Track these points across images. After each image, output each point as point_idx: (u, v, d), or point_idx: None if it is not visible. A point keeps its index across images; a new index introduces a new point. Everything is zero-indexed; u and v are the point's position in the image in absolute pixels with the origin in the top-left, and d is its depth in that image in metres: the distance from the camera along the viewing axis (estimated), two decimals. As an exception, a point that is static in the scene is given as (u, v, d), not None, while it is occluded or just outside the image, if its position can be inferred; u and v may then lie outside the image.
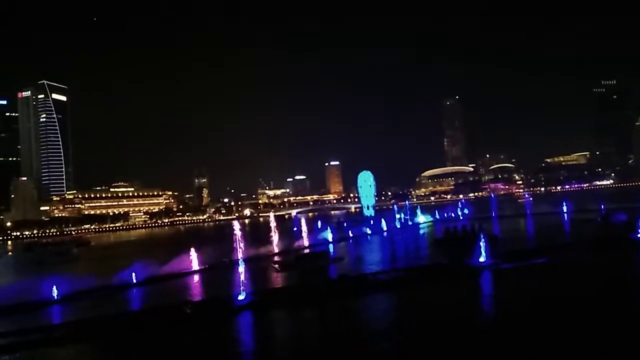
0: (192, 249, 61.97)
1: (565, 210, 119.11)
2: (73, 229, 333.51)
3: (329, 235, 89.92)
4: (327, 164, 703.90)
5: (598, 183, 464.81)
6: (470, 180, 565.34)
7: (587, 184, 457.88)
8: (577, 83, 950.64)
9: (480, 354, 24.27)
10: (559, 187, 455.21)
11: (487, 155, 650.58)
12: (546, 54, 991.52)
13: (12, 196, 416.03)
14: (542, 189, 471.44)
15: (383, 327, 31.69)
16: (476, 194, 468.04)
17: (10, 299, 43.70)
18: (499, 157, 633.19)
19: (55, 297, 45.89)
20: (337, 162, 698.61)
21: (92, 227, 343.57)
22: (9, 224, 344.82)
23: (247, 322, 35.02)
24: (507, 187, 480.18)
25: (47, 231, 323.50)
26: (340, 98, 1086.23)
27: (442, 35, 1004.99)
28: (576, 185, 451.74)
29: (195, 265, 60.56)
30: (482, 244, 48.02)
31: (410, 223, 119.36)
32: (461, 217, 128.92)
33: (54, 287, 46.44)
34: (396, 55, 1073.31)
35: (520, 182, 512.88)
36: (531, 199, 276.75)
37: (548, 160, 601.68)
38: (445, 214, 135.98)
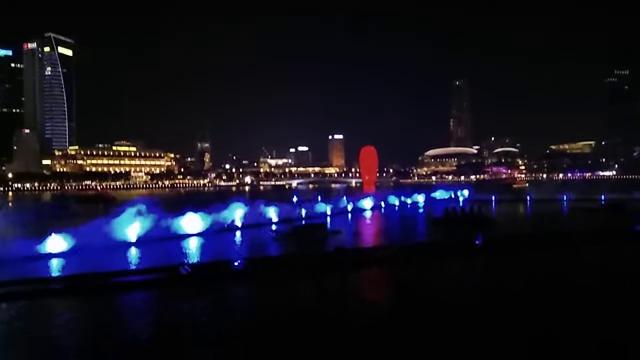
0: (192, 213, 62.28)
1: (565, 197, 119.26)
2: (74, 184, 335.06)
3: (327, 207, 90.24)
4: (330, 136, 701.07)
5: (601, 173, 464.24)
6: (473, 162, 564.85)
7: (589, 174, 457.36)
8: (589, 71, 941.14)
9: (474, 331, 24.63)
10: (561, 175, 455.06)
11: (492, 138, 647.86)
12: (560, 42, 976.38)
13: (15, 148, 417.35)
14: (544, 175, 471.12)
15: (376, 299, 32.18)
16: (478, 176, 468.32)
17: (11, 250, 44.24)
18: (504, 140, 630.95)
19: (54, 252, 46.48)
20: (341, 136, 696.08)
21: (92, 183, 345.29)
22: (10, 175, 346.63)
23: (242, 288, 35.47)
24: (509, 171, 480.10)
25: (48, 185, 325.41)
26: (342, 73, 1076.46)
27: (455, 20, 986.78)
28: (579, 174, 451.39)
29: (194, 229, 60.95)
30: (479, 225, 48.16)
31: (409, 201, 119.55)
32: (461, 199, 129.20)
33: (54, 240, 47.01)
34: (405, 37, 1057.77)
35: (523, 167, 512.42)
36: (527, 184, 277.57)
37: (552, 147, 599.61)
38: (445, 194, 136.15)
